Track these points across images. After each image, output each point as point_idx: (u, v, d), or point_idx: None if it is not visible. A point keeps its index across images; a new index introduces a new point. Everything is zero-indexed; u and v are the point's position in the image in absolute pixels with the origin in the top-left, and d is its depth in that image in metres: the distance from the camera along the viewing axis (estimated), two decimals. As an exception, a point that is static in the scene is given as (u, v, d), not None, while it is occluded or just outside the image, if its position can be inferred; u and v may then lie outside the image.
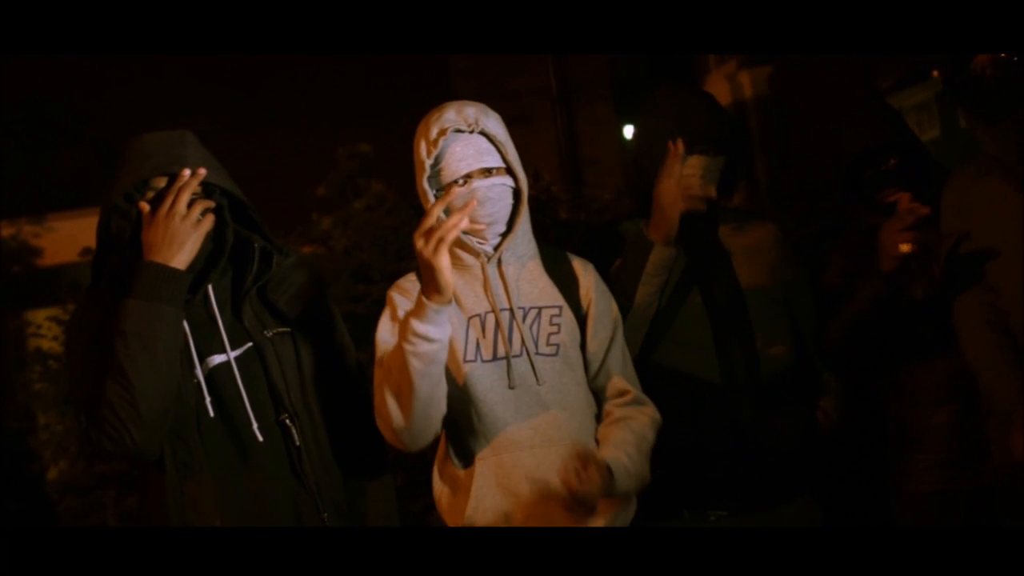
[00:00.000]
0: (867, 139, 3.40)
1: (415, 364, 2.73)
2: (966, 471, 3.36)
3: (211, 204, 2.91)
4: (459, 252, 2.94)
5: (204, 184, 2.90)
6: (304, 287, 3.07)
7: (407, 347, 2.74)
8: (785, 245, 3.47)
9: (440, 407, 2.83)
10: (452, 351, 2.89)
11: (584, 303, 3.02)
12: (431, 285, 2.69)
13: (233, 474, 2.86)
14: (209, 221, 2.89)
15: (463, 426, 2.92)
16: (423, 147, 2.86)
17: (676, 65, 28.26)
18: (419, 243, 2.71)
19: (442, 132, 2.89)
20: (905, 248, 3.09)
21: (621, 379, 2.99)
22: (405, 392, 2.75)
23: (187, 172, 2.83)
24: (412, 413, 2.76)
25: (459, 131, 2.89)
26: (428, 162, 2.91)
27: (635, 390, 2.99)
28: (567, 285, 3.02)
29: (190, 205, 2.85)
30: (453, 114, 2.89)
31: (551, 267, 3.01)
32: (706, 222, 3.33)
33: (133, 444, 2.77)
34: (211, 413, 2.86)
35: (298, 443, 2.90)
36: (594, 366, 3.01)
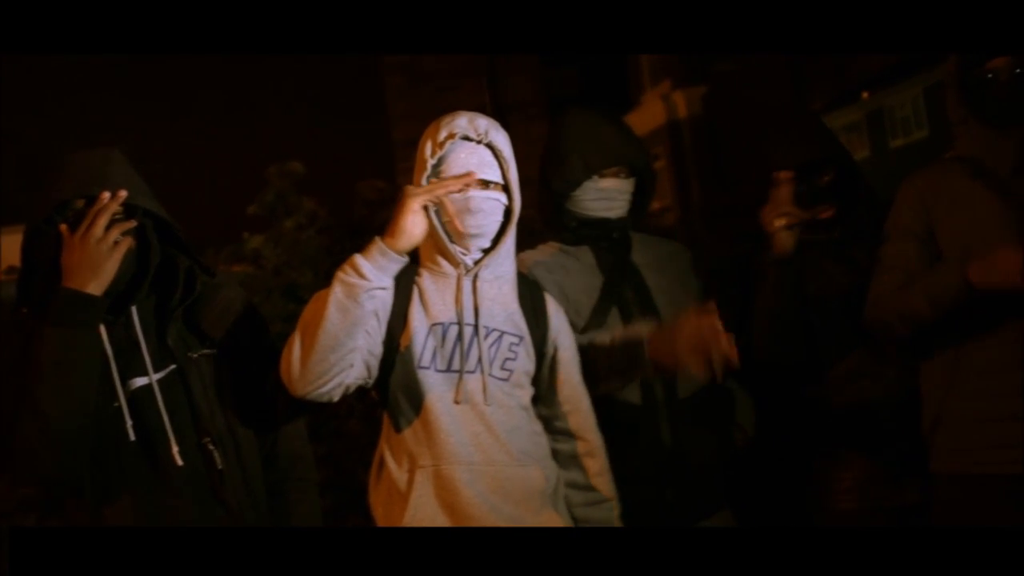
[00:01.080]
0: (801, 155, 3.41)
1: (338, 293, 2.72)
2: (889, 489, 3.37)
3: (130, 226, 2.86)
4: (439, 259, 2.94)
5: (127, 205, 2.85)
6: (231, 307, 3.03)
7: (340, 275, 2.75)
8: (698, 266, 3.48)
9: (345, 360, 2.79)
10: (408, 353, 2.86)
11: (549, 344, 3.04)
12: (394, 226, 2.71)
13: (153, 498, 2.82)
14: (126, 244, 2.83)
15: (407, 431, 2.89)
16: (428, 147, 2.89)
17: (611, 85, 28.52)
18: (407, 188, 2.72)
19: (451, 136, 2.92)
20: (780, 222, 3.17)
21: (597, 437, 3.05)
22: (317, 321, 2.73)
23: (107, 195, 2.77)
24: (315, 346, 2.73)
25: (467, 139, 2.92)
26: (431, 162, 2.94)
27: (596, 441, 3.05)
28: (535, 319, 3.03)
29: (110, 227, 2.80)
30: (465, 121, 2.93)
31: (524, 296, 3.02)
32: (621, 244, 3.34)
33: (47, 470, 2.72)
34: (131, 437, 2.78)
35: (220, 467, 2.87)
36: (565, 407, 3.03)
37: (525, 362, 2.98)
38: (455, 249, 2.93)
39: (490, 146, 2.94)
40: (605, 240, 3.32)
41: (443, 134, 2.92)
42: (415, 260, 2.95)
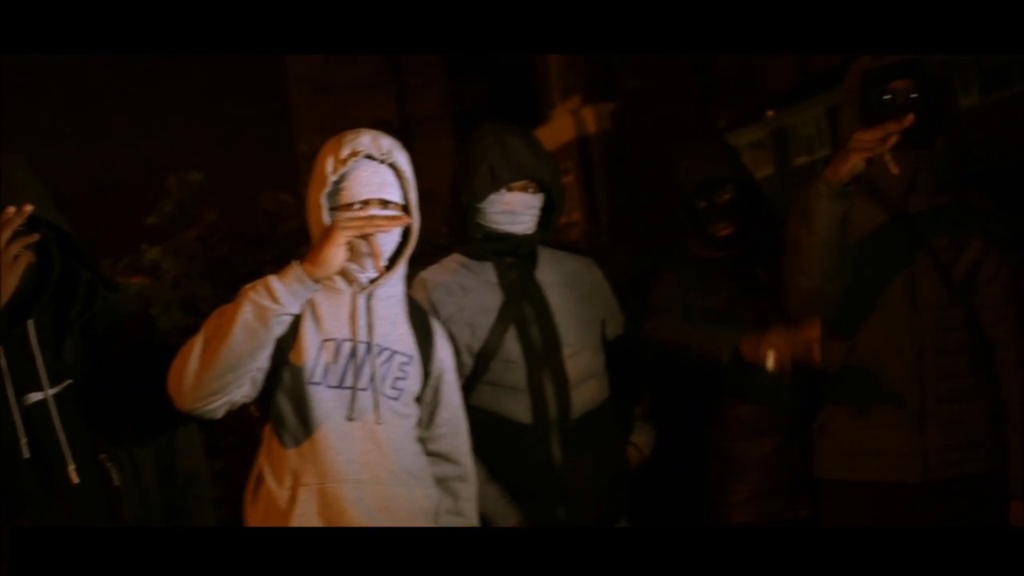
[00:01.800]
0: (704, 172, 3.44)
1: (248, 313, 2.68)
2: (785, 502, 3.40)
3: (32, 240, 2.78)
4: (335, 276, 2.88)
5: (29, 216, 2.77)
6: (130, 321, 2.96)
7: (251, 295, 2.70)
8: (604, 281, 3.48)
9: (238, 383, 2.75)
10: (299, 369, 2.86)
11: (435, 365, 3.00)
12: (316, 255, 2.69)
13: (51, 516, 2.74)
14: (27, 259, 2.76)
15: (292, 448, 2.84)
16: (330, 163, 2.86)
17: (521, 99, 28.65)
18: (337, 219, 2.72)
19: (354, 153, 2.86)
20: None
21: (471, 462, 3.03)
22: (219, 338, 2.69)
23: (12, 209, 2.69)
24: (213, 363, 2.68)
25: (370, 157, 2.87)
26: (332, 178, 2.87)
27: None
28: (423, 340, 3.00)
29: (12, 240, 2.72)
30: (368, 140, 2.88)
31: (413, 317, 2.98)
32: (526, 261, 3.32)
33: None
34: (25, 454, 2.70)
35: (116, 483, 2.83)
36: (443, 429, 3.00)
37: (414, 382, 2.96)
38: (352, 267, 2.88)
39: (393, 166, 2.90)
40: (509, 255, 3.31)
41: (346, 151, 2.87)
42: None
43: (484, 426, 3.16)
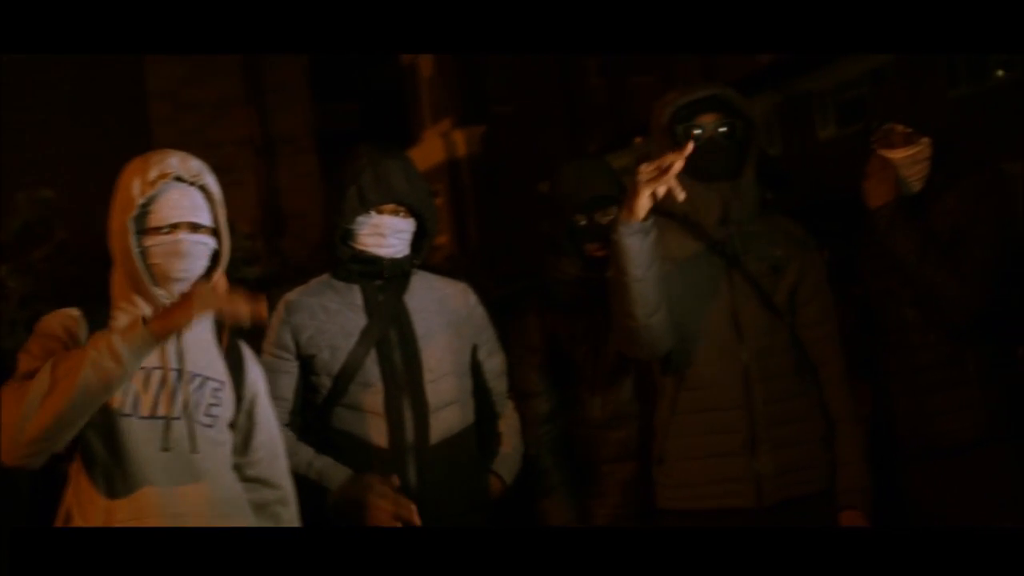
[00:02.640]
0: (590, 190, 3.45)
1: (90, 376, 2.56)
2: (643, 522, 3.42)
3: None
4: (139, 301, 2.78)
5: None
6: None
7: (93, 354, 2.58)
8: (479, 306, 3.46)
9: (65, 439, 2.65)
10: (108, 401, 2.74)
11: (248, 390, 2.93)
12: (167, 321, 2.58)
13: None
14: None
15: (102, 483, 2.73)
16: (137, 185, 2.73)
17: (392, 121, 28.62)
18: (195, 293, 2.61)
19: (163, 176, 2.76)
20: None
21: (290, 484, 2.97)
22: (59, 395, 2.55)
23: None
24: (49, 421, 2.55)
25: (180, 179, 2.79)
26: (139, 201, 2.76)
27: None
28: (234, 364, 2.93)
29: None
30: (177, 162, 2.81)
31: (219, 340, 2.91)
32: (394, 285, 3.31)
33: None
34: None
35: None
36: (260, 453, 2.94)
37: (227, 408, 2.89)
38: (157, 292, 2.80)
39: (203, 188, 2.84)
40: (377, 278, 3.27)
41: (154, 173, 2.78)
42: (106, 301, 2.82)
43: (341, 449, 3.12)
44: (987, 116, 16.89)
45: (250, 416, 2.91)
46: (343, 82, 25.83)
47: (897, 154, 3.06)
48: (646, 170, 2.76)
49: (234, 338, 2.92)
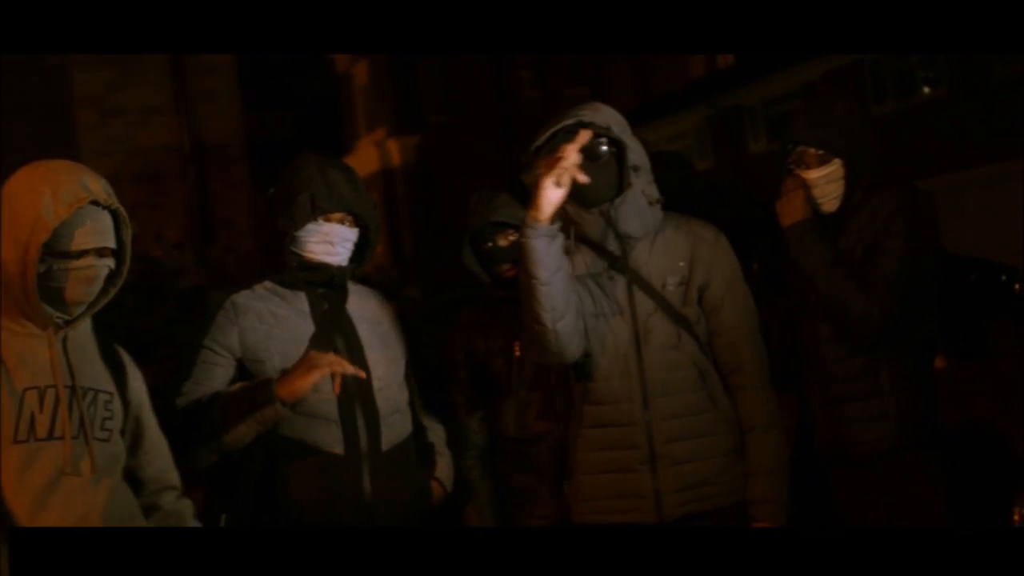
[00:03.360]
0: (486, 216, 3.50)
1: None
2: None
3: None
4: (24, 321, 2.67)
5: None
6: None
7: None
8: (401, 316, 3.48)
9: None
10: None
11: (133, 395, 2.87)
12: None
13: None
14: None
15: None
16: (48, 207, 2.59)
17: (326, 129, 28.46)
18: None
19: (79, 200, 2.64)
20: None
21: (175, 472, 2.90)
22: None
23: None
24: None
25: (95, 203, 2.68)
26: (53, 225, 2.63)
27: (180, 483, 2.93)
28: (116, 372, 2.87)
29: None
30: (91, 183, 2.65)
31: (103, 350, 2.84)
32: (338, 293, 3.31)
33: None
34: None
35: None
36: (151, 455, 2.89)
37: (119, 419, 2.82)
38: (48, 308, 2.69)
39: (115, 212, 2.74)
40: (322, 286, 3.27)
41: (68, 196, 2.57)
42: None
43: (293, 456, 3.12)
44: (913, 132, 17.21)
45: (138, 420, 2.84)
46: (276, 90, 25.65)
47: (810, 174, 3.16)
48: (542, 163, 2.81)
49: (110, 343, 2.85)
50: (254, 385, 3.03)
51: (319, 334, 3.19)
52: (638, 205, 3.00)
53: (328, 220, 3.19)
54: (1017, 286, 9.42)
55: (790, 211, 3.18)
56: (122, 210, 2.68)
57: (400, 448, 3.24)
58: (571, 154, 2.83)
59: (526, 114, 29.49)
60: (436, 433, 3.43)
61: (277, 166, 3.47)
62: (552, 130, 2.96)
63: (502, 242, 3.46)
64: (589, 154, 2.93)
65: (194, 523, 2.94)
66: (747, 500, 2.96)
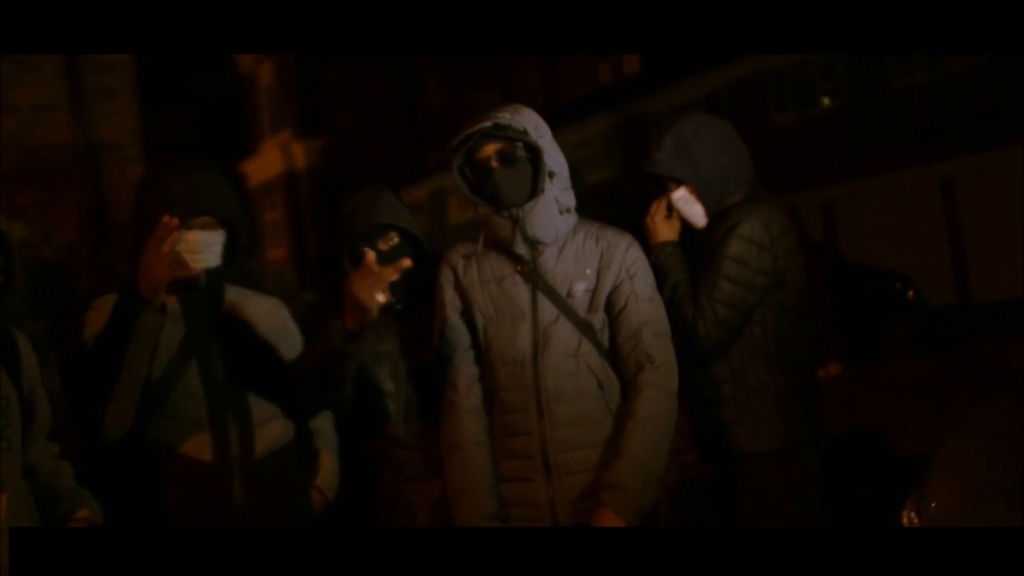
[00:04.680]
0: (368, 220, 3.47)
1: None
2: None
3: None
4: None
5: None
6: None
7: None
8: (291, 321, 3.42)
9: None
10: None
11: (27, 384, 2.79)
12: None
13: None
14: None
15: None
16: None
17: (229, 130, 28.13)
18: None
19: None
20: (381, 298, 3.18)
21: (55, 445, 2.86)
22: None
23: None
24: None
25: None
26: None
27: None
28: (14, 371, 2.79)
29: None
30: None
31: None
32: (210, 297, 3.23)
33: None
34: None
35: None
36: (40, 440, 2.81)
37: (16, 426, 2.74)
38: None
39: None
40: (192, 290, 3.19)
41: None
42: None
43: (160, 462, 3.03)
44: (813, 142, 17.53)
45: (31, 405, 2.78)
46: (177, 89, 25.26)
47: (673, 195, 3.38)
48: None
49: (7, 327, 2.80)
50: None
51: (189, 336, 3.12)
52: (549, 211, 2.98)
53: (189, 228, 3.11)
54: (911, 293, 9.70)
55: (656, 230, 3.39)
56: (6, 233, 2.66)
57: (278, 455, 3.18)
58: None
59: (432, 118, 29.50)
60: (324, 439, 3.38)
61: (146, 171, 3.39)
62: (469, 132, 2.96)
63: (383, 246, 3.42)
64: (505, 158, 2.94)
65: (71, 483, 2.87)
66: (602, 481, 2.92)
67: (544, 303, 2.98)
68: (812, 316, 3.41)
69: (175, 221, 2.94)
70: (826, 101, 18.06)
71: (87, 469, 3.06)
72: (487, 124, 2.94)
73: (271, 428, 3.18)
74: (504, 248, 3.03)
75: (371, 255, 3.00)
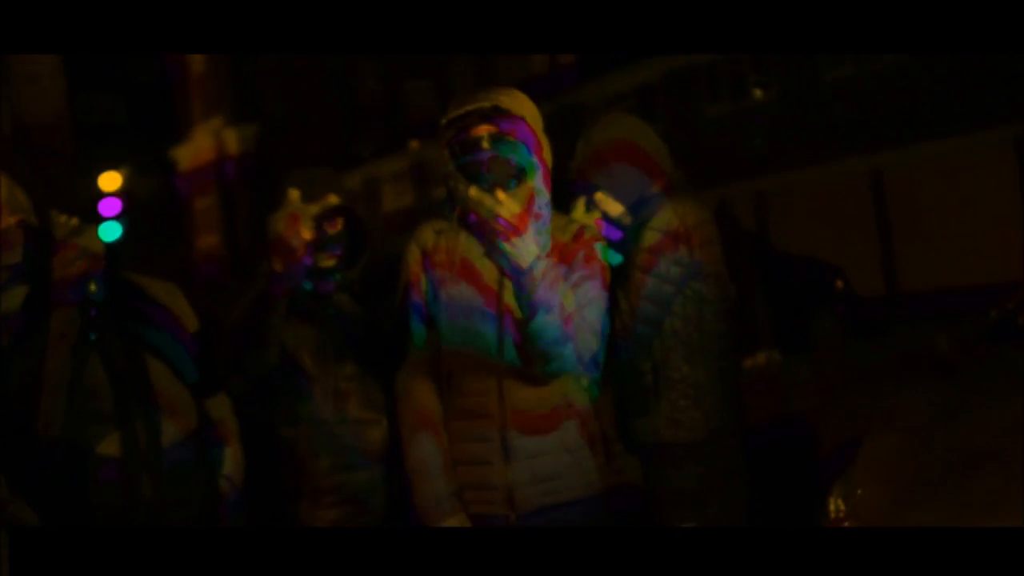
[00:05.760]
0: (312, 203, 3.44)
1: None
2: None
3: None
4: None
5: None
6: None
7: None
8: (188, 308, 3.38)
9: None
10: None
11: None
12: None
13: None
14: None
15: None
16: None
17: (159, 115, 27.77)
18: None
19: None
20: (306, 234, 3.15)
21: None
22: None
23: None
24: None
25: None
26: None
27: None
28: None
29: None
30: None
31: None
32: (105, 286, 3.20)
33: None
34: None
35: None
36: None
37: None
38: None
39: None
40: (98, 279, 3.15)
41: None
42: None
43: (64, 458, 2.97)
44: (745, 133, 17.68)
45: None
46: (106, 74, 24.89)
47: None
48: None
49: None
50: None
51: (84, 329, 3.09)
52: (543, 195, 2.98)
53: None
54: (840, 283, 9.83)
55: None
56: None
57: (184, 445, 3.15)
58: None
59: (366, 105, 29.32)
60: (226, 426, 3.35)
61: (107, 151, 3.35)
62: (467, 108, 2.91)
63: (329, 229, 3.40)
64: (497, 140, 2.92)
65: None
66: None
67: (510, 286, 2.96)
68: (735, 306, 3.44)
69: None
70: (758, 93, 18.23)
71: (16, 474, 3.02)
72: (486, 105, 2.92)
73: (177, 419, 3.14)
74: (477, 229, 2.99)
75: (294, 192, 2.98)
